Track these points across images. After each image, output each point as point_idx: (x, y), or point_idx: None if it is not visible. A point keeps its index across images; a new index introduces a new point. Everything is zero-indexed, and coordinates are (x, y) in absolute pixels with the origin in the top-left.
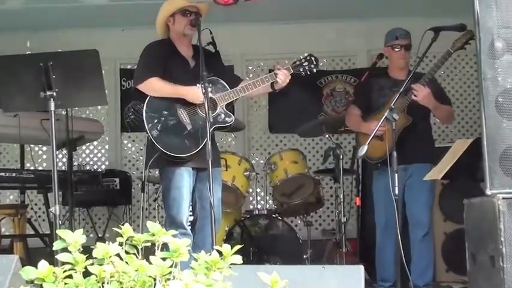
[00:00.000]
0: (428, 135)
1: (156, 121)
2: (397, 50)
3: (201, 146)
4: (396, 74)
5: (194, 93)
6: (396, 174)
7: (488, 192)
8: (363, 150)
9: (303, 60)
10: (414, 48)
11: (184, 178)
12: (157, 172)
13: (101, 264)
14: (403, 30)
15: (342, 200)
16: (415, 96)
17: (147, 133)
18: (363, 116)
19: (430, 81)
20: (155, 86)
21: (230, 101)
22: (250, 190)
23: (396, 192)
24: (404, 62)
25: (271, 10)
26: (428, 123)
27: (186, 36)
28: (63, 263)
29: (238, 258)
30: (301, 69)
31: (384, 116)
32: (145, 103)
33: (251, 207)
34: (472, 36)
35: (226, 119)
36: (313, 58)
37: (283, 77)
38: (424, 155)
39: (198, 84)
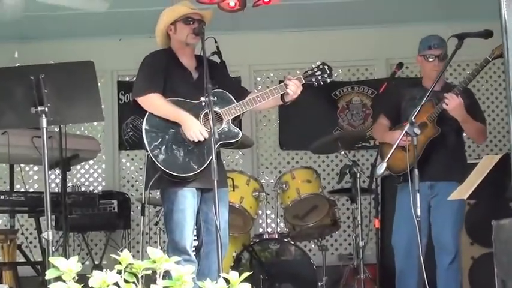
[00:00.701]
0: (460, 150)
1: (156, 138)
2: (430, 60)
3: (205, 165)
4: (430, 84)
5: (191, 126)
6: (418, 194)
7: None
8: (382, 167)
9: (315, 70)
10: None
11: (188, 199)
12: (158, 193)
13: None
14: (437, 39)
15: (359, 222)
16: (446, 105)
17: (147, 151)
18: (391, 127)
19: (463, 91)
20: (155, 103)
21: (237, 115)
22: (260, 212)
23: (418, 213)
24: (438, 73)
25: (282, 17)
26: (461, 138)
27: (189, 46)
28: None
29: (247, 287)
30: (313, 79)
31: (405, 131)
32: (145, 118)
33: (261, 230)
34: None
35: (233, 134)
36: (326, 67)
37: (294, 88)
38: (454, 172)
39: (202, 98)
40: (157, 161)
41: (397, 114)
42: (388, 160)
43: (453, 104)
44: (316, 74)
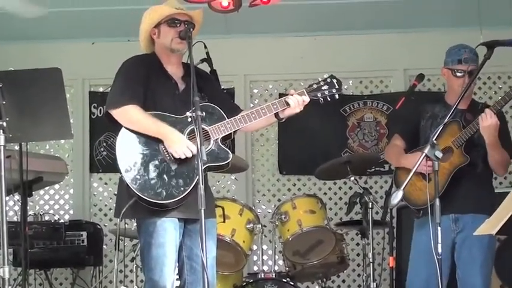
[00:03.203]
0: (489, 181)
1: (131, 157)
2: (459, 75)
3: (188, 190)
4: (454, 101)
5: (176, 141)
6: (439, 228)
7: None
8: (397, 196)
9: (321, 84)
10: None
11: (169, 232)
12: (135, 224)
13: None
14: (469, 52)
15: (371, 260)
16: (482, 120)
17: (120, 173)
18: (407, 149)
19: (498, 113)
20: (132, 117)
21: (227, 133)
22: (255, 247)
23: (439, 250)
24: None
25: (282, 19)
26: (489, 168)
27: (175, 53)
28: None
29: None
30: (319, 94)
31: (424, 154)
32: (119, 134)
33: (255, 269)
34: None
35: (222, 156)
36: (334, 81)
37: (294, 103)
38: (483, 203)
39: (187, 112)
40: (132, 185)
41: (414, 134)
42: (405, 188)
43: (489, 121)
44: (323, 88)
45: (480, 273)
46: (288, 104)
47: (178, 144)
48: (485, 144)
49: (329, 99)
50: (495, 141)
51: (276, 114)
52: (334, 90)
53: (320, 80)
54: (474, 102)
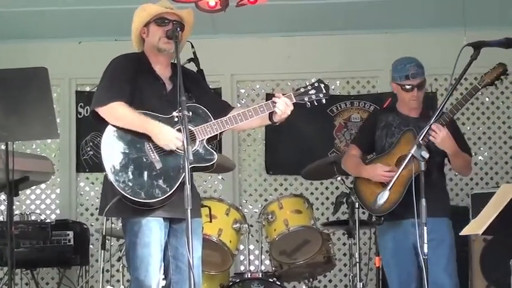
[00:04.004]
0: (444, 186)
1: (116, 155)
2: (408, 88)
3: (172, 190)
4: (407, 110)
5: (165, 135)
6: (425, 228)
7: None
8: (383, 197)
9: (309, 88)
10: (447, 68)
11: (154, 232)
12: (120, 223)
13: None
14: (415, 67)
15: (357, 260)
16: (434, 138)
17: (105, 171)
18: (363, 158)
19: (449, 122)
20: (118, 113)
21: (213, 135)
22: (241, 247)
23: (425, 250)
24: (417, 102)
25: (269, 19)
26: (443, 173)
27: (162, 52)
28: None
29: None
30: (306, 99)
31: (410, 154)
32: (105, 131)
33: (242, 268)
34: (504, 70)
35: (207, 157)
36: (322, 85)
37: (282, 107)
38: (440, 207)
39: (174, 112)
40: (116, 183)
41: (370, 144)
42: (390, 189)
43: (441, 136)
44: (310, 92)
45: (446, 272)
46: (275, 106)
47: (168, 136)
48: (439, 151)
49: (316, 104)
50: (456, 149)
51: (271, 119)
52: (321, 95)
53: (308, 84)
54: (425, 110)
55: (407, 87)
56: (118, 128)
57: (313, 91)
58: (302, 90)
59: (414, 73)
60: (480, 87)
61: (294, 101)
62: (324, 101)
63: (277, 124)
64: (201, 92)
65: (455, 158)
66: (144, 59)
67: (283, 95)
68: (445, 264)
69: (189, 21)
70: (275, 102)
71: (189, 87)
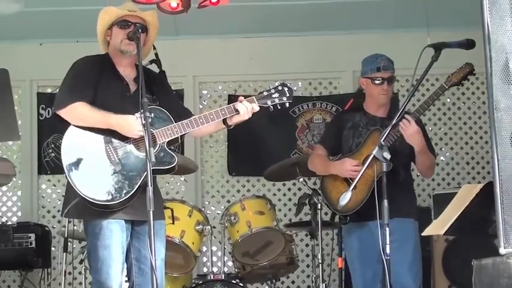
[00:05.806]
0: (411, 186)
1: (76, 156)
2: (377, 82)
3: (132, 192)
4: (374, 110)
5: (130, 124)
6: (388, 229)
7: (503, 251)
8: (346, 197)
9: (272, 91)
10: (410, 69)
11: (115, 234)
12: (82, 225)
13: None
14: (386, 60)
15: (320, 261)
16: (403, 129)
17: (65, 173)
18: (329, 158)
19: (416, 122)
20: (79, 113)
21: (173, 138)
22: (204, 249)
23: (387, 251)
24: (387, 97)
25: (231, 20)
26: (410, 173)
27: (125, 54)
28: None
29: None
30: (269, 102)
31: (372, 155)
32: (66, 132)
33: (205, 270)
34: (471, 70)
35: (166, 160)
36: (286, 89)
37: (243, 110)
38: (407, 208)
39: (136, 114)
40: (76, 185)
41: (337, 144)
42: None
43: (411, 130)
44: (274, 96)
45: (410, 273)
46: (236, 111)
47: (133, 125)
48: (406, 152)
49: (279, 107)
50: (423, 146)
51: (224, 121)
52: (284, 98)
53: (271, 87)
54: (391, 110)
55: (377, 81)
56: (79, 129)
57: (276, 94)
58: (265, 93)
59: (385, 65)
60: (447, 87)
61: (257, 104)
62: (287, 104)
63: (231, 127)
64: (165, 95)
65: (422, 156)
66: (108, 60)
67: (245, 98)
68: (409, 264)
69: (153, 23)
70: (237, 108)
71: (153, 90)
